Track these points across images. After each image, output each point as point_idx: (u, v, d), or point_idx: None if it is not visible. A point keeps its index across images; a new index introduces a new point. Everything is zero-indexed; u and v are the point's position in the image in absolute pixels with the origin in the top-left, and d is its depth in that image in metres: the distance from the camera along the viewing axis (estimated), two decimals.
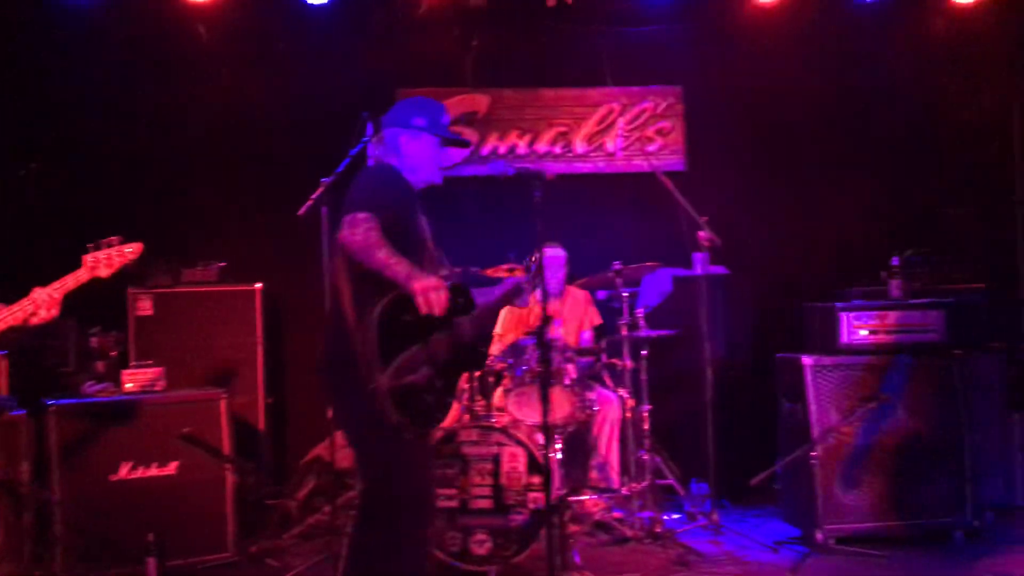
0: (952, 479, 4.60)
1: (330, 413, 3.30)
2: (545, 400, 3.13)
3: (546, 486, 3.27)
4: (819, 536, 4.47)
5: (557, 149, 6.28)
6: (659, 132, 6.36)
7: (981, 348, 5.10)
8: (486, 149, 6.25)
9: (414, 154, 3.24)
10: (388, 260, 2.87)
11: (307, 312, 5.69)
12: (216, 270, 5.50)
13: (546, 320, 3.12)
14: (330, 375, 3.13)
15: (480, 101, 6.26)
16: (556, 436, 4.77)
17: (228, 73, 6.04)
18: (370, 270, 2.89)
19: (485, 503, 4.25)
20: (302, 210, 4.29)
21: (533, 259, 3.46)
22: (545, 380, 3.12)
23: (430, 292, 2.84)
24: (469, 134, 6.22)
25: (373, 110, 4.23)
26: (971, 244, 6.11)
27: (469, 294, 3.27)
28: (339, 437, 4.52)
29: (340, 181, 4.25)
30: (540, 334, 3.11)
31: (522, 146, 6.25)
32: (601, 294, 5.58)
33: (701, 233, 4.86)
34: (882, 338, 4.73)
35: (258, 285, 5.47)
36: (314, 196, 4.30)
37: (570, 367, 4.80)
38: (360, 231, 2.88)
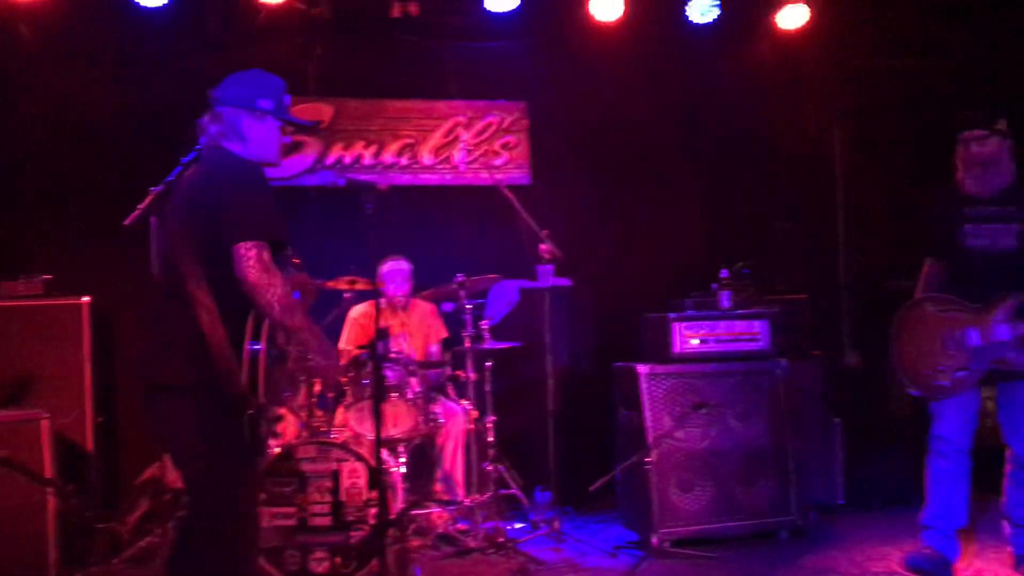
0: (778, 481, 4.84)
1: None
2: (377, 415, 3.11)
3: (381, 501, 3.24)
4: (655, 540, 4.60)
5: (403, 160, 6.26)
6: (505, 146, 6.44)
7: (804, 356, 5.40)
8: (330, 159, 6.16)
9: (258, 139, 2.99)
10: (303, 325, 2.79)
11: (140, 327, 5.45)
12: (40, 283, 5.19)
13: (379, 334, 3.10)
14: (187, 397, 2.81)
15: (324, 110, 6.17)
16: (401, 449, 4.76)
17: (55, 77, 5.72)
18: (236, 287, 2.74)
19: (324, 520, 4.18)
20: (129, 220, 4.12)
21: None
22: (377, 395, 3.09)
23: (337, 376, 2.82)
24: (313, 143, 6.13)
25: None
26: (795, 257, 6.48)
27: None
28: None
29: (169, 190, 4.12)
30: (373, 348, 3.08)
31: (368, 157, 6.19)
32: (448, 307, 5.60)
33: (543, 246, 4.96)
34: (712, 347, 4.94)
35: (85, 299, 5.19)
36: (142, 206, 4.12)
37: (413, 380, 4.78)
38: (278, 285, 2.72)
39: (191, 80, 5.76)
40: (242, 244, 2.73)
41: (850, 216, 6.72)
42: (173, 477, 5.04)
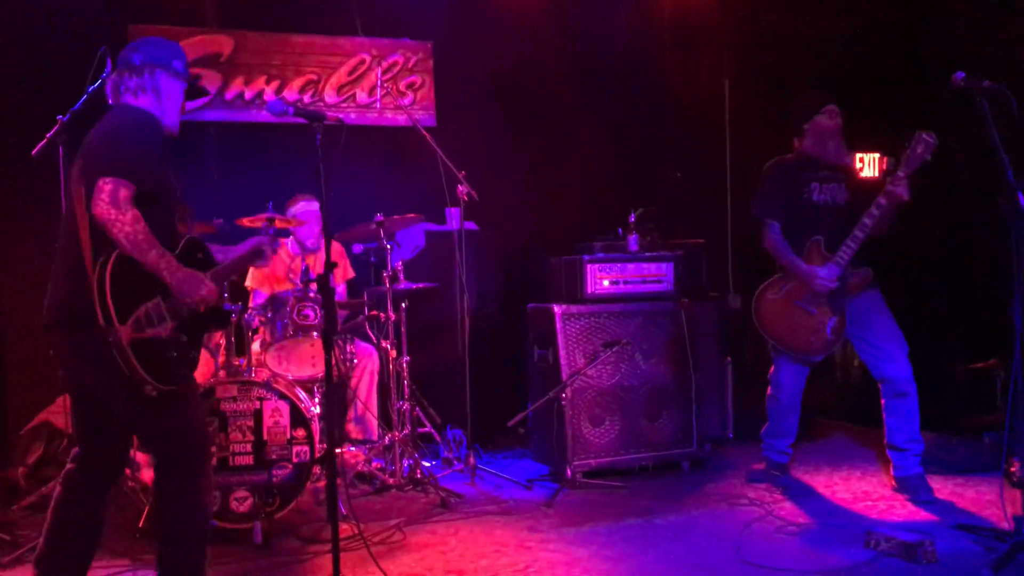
0: (680, 416, 5.11)
1: (61, 373, 3.08)
2: (327, 349, 3.09)
3: (330, 436, 3.24)
4: (568, 472, 4.79)
5: (307, 98, 6.12)
6: (410, 86, 6.38)
7: (702, 297, 5.68)
8: (230, 93, 5.95)
9: (169, 99, 3.18)
10: (158, 263, 2.89)
11: (31, 263, 5.17)
12: None
13: (329, 267, 3.07)
14: (67, 331, 2.97)
15: (223, 43, 5.93)
16: (315, 390, 4.74)
17: None
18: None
19: (245, 459, 4.14)
20: (35, 150, 3.92)
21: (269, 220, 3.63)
22: (329, 330, 3.07)
23: (209, 298, 2.99)
24: (212, 76, 5.89)
25: (106, 45, 3.95)
26: (687, 204, 6.76)
27: (207, 250, 3.24)
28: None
29: (77, 119, 3.93)
30: (325, 283, 3.06)
31: (269, 92, 6.01)
32: (357, 248, 5.56)
33: (460, 187, 4.99)
34: (621, 288, 5.13)
35: None
36: (49, 135, 3.93)
37: None
38: (127, 222, 2.83)
39: (86, 5, 5.51)
40: (100, 178, 2.85)
41: (736, 167, 7.05)
42: (64, 422, 4.86)
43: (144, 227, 2.86)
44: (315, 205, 5.24)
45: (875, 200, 4.30)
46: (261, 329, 4.71)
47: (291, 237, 5.28)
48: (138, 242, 2.85)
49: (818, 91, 4.68)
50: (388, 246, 4.90)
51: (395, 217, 4.92)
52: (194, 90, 3.35)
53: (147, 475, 4.38)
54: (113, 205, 2.83)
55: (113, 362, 2.84)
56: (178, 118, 3.24)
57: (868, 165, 6.70)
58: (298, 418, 4.20)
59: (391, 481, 4.81)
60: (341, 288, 5.53)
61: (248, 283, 5.23)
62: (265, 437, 4.16)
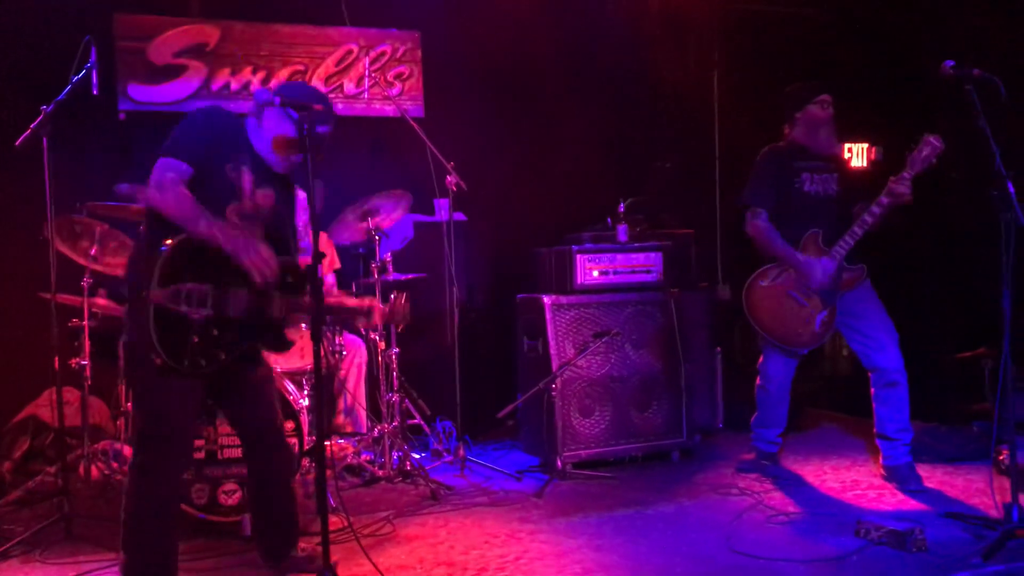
0: (670, 406, 5.11)
1: None
2: (316, 340, 3.07)
3: (320, 428, 3.22)
4: (558, 463, 4.79)
5: None
6: (398, 77, 6.34)
7: (691, 287, 5.67)
8: (217, 84, 5.89)
9: (270, 130, 3.26)
10: (211, 230, 2.99)
11: (15, 256, 5.13)
12: None
13: (317, 258, 3.05)
14: (127, 303, 3.13)
15: (209, 32, 5.87)
16: (305, 383, 4.70)
17: None
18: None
19: (234, 452, 4.10)
20: (19, 141, 3.87)
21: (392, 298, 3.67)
22: (318, 321, 3.05)
23: (262, 263, 3.04)
24: (197, 67, 5.84)
25: (91, 35, 3.92)
26: (676, 195, 6.74)
27: (301, 276, 3.28)
28: (65, 393, 4.19)
29: (61, 109, 3.90)
30: (313, 273, 3.03)
31: (256, 83, 5.95)
32: (344, 239, 5.52)
33: (449, 178, 4.96)
34: (611, 278, 5.12)
35: None
36: (33, 125, 3.89)
37: None
38: (181, 192, 2.98)
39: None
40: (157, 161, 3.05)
41: (725, 157, 7.05)
42: (51, 415, 4.83)
43: (189, 202, 2.98)
44: (302, 195, 5.19)
45: (876, 198, 4.27)
46: None
47: None
48: (183, 213, 2.98)
49: (813, 80, 4.67)
50: (377, 237, 4.87)
51: (380, 195, 4.83)
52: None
53: None
54: (158, 188, 3.00)
55: (142, 322, 2.94)
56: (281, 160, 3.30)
57: (856, 155, 6.72)
58: (287, 410, 4.17)
59: (381, 473, 4.80)
60: (330, 279, 5.50)
61: None
62: None
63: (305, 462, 4.34)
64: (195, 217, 2.99)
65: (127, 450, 4.31)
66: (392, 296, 3.72)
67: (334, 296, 3.51)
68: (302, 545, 3.55)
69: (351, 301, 3.57)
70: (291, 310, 3.25)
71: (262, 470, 3.49)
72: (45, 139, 3.91)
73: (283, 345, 3.37)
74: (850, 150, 6.46)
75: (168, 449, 3.13)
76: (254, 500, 3.54)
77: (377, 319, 3.59)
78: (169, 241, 2.98)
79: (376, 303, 3.56)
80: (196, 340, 3.01)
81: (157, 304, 2.92)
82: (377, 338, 4.96)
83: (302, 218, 5.14)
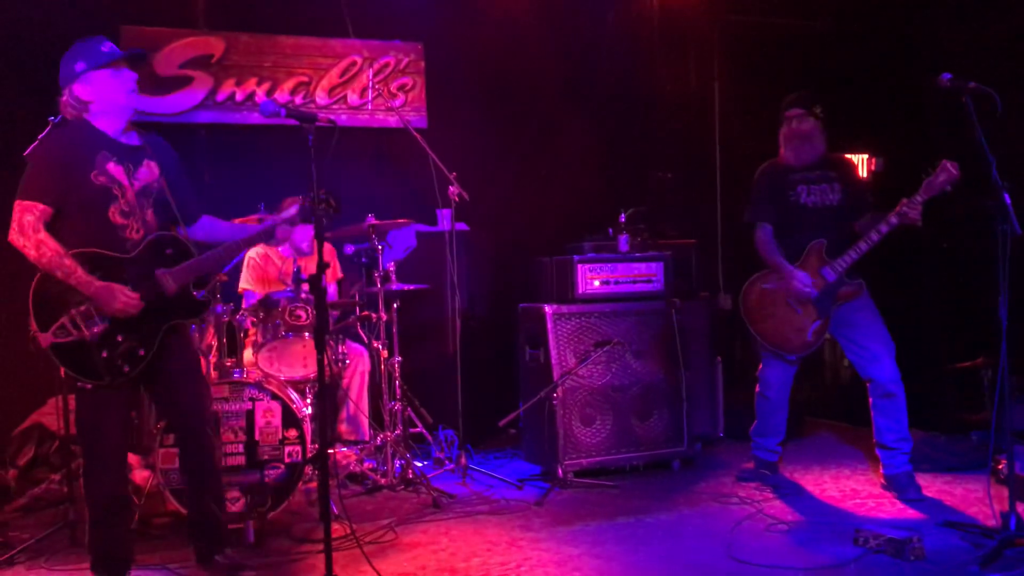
0: (671, 415, 5.14)
1: None
2: (320, 349, 3.11)
3: (322, 436, 3.26)
4: (560, 471, 4.81)
5: (298, 99, 6.11)
6: (401, 88, 6.39)
7: (692, 297, 5.70)
8: (222, 95, 5.94)
9: (95, 96, 3.29)
10: (67, 280, 3.12)
11: (18, 266, 5.16)
12: None
13: (321, 268, 3.10)
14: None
15: (215, 44, 5.93)
16: (308, 391, 4.74)
17: None
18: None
19: (237, 460, 4.15)
20: (28, 151, 3.91)
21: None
22: (322, 331, 3.10)
23: (125, 308, 3.16)
24: (203, 78, 5.89)
25: None
26: (676, 205, 6.78)
27: (181, 244, 3.38)
28: (70, 402, 4.23)
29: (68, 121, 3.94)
30: (317, 283, 3.09)
31: (260, 94, 6.00)
32: (348, 249, 5.56)
33: (451, 188, 5.01)
34: (612, 288, 5.16)
35: None
36: (40, 136, 3.92)
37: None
38: (32, 247, 3.11)
39: (77, 7, 5.50)
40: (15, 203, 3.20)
41: (726, 167, 7.09)
42: (56, 423, 4.86)
43: (48, 251, 3.10)
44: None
45: (885, 217, 4.29)
46: (253, 330, 4.72)
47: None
48: (43, 264, 3.12)
49: (789, 95, 4.70)
50: (379, 247, 4.91)
51: (386, 221, 4.92)
52: (123, 59, 3.34)
53: (139, 476, 4.39)
54: (20, 233, 3.14)
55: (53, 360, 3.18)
56: (126, 103, 3.32)
57: (857, 166, 6.75)
58: (290, 418, 4.22)
59: (383, 481, 4.83)
60: (332, 288, 5.54)
61: (241, 285, 5.23)
62: (257, 437, 4.18)
63: (308, 470, 4.38)
64: (55, 267, 3.12)
65: (132, 458, 4.34)
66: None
67: (239, 232, 3.63)
68: (229, 551, 3.58)
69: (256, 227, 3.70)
70: (185, 277, 3.36)
71: (185, 460, 3.61)
72: None
73: (198, 308, 3.48)
74: (850, 161, 6.49)
75: (107, 451, 3.34)
76: (187, 492, 3.67)
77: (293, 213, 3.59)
78: (33, 285, 3.16)
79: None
80: (104, 355, 3.20)
81: (51, 345, 3.12)
82: (380, 347, 4.99)
83: (310, 232, 5.21)
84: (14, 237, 3.14)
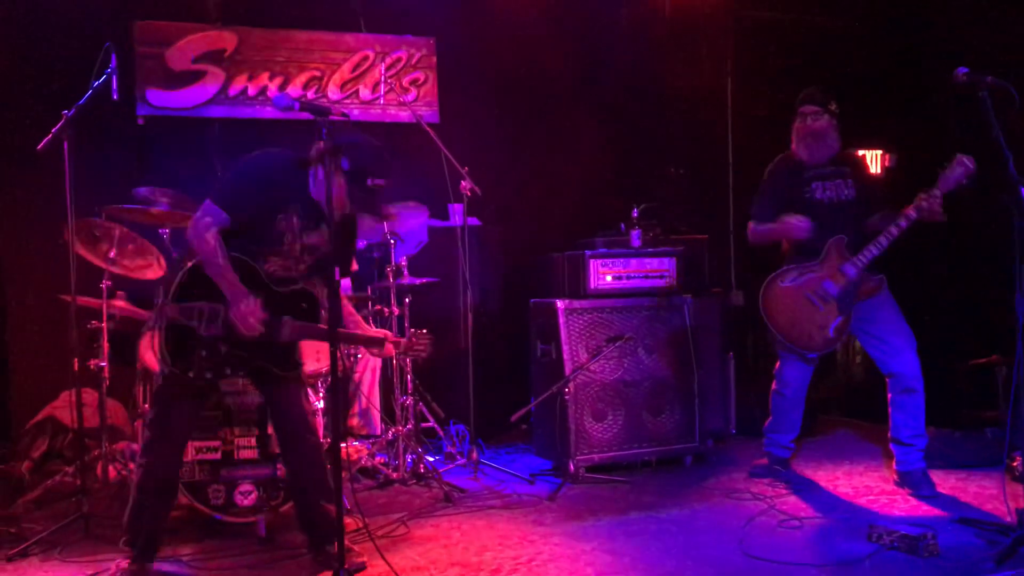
0: (682, 411, 5.12)
1: None
2: (333, 347, 3.11)
3: (335, 430, 3.26)
4: (571, 466, 4.81)
5: (310, 94, 6.12)
6: (413, 83, 6.39)
7: (704, 293, 5.69)
8: (234, 90, 5.96)
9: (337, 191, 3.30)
10: (219, 275, 3.24)
11: (37, 260, 5.20)
12: None
13: (335, 261, 3.11)
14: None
15: (227, 38, 5.94)
16: (320, 385, 4.74)
17: None
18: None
19: (250, 453, 4.15)
20: (41, 145, 3.94)
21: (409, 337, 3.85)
22: (334, 325, 3.10)
23: (247, 317, 3.23)
24: (215, 73, 5.90)
25: (111, 40, 3.98)
26: (689, 201, 6.77)
27: (316, 306, 3.47)
28: (83, 395, 4.25)
29: (82, 115, 3.96)
30: (330, 277, 3.10)
31: (273, 89, 6.01)
32: (360, 243, 5.56)
33: (463, 183, 5.00)
34: (624, 283, 5.15)
35: None
36: (54, 130, 3.95)
37: None
38: (207, 237, 3.22)
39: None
40: (207, 199, 3.31)
41: (739, 163, 7.06)
42: (69, 416, 4.88)
43: (212, 243, 3.23)
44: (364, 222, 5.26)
45: (904, 211, 4.25)
46: None
47: None
48: (205, 253, 3.24)
49: (804, 91, 4.64)
50: (392, 241, 4.91)
51: (396, 204, 4.89)
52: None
53: None
54: (193, 228, 3.25)
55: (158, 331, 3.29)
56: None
57: (871, 162, 6.72)
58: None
59: (394, 476, 4.83)
60: (345, 283, 5.53)
61: None
62: (269, 431, 4.17)
63: None
64: (208, 262, 3.25)
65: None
66: (409, 331, 3.88)
67: (351, 325, 3.64)
68: (351, 546, 3.60)
69: (367, 332, 3.73)
70: (300, 335, 3.46)
71: (292, 469, 3.68)
72: (66, 143, 3.97)
73: (291, 366, 3.56)
74: (864, 157, 6.46)
75: (173, 437, 3.45)
76: (291, 494, 3.83)
77: (390, 351, 3.73)
78: (190, 263, 3.29)
79: (388, 336, 3.70)
80: (204, 354, 3.29)
81: (171, 318, 3.21)
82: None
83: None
84: (189, 232, 3.26)
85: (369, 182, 3.33)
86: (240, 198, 3.29)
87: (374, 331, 3.75)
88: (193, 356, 3.29)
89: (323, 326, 3.43)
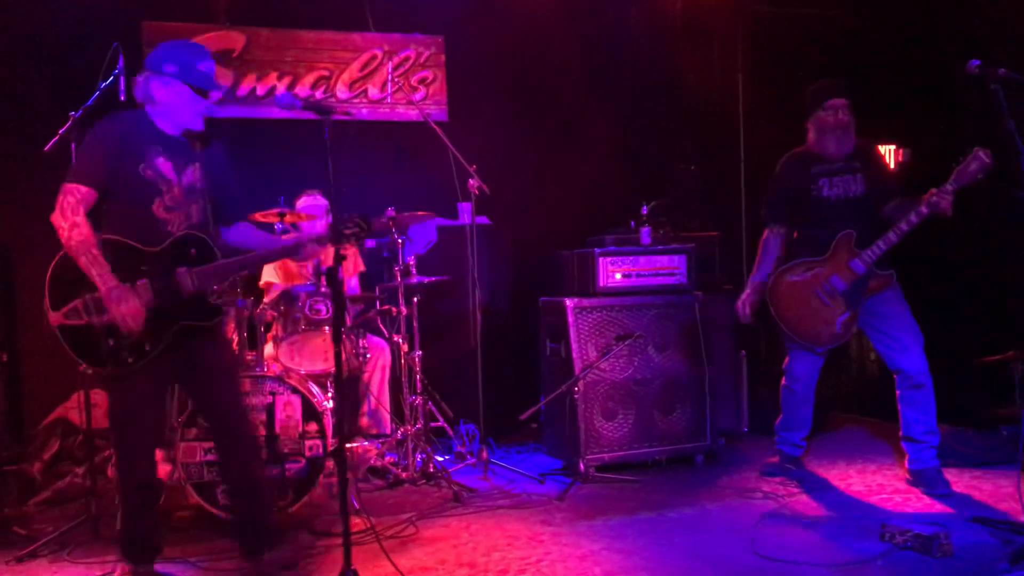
0: (694, 409, 5.09)
1: None
2: (337, 342, 3.09)
3: (340, 430, 3.25)
4: (581, 466, 4.78)
5: (319, 93, 6.12)
6: (422, 81, 6.38)
7: (715, 290, 5.64)
8: (243, 90, 5.96)
9: (166, 101, 3.30)
10: (88, 269, 3.13)
11: (46, 261, 5.20)
12: None
13: (338, 260, 3.09)
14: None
15: (236, 39, 5.95)
16: (328, 385, 4.73)
17: None
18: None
19: None
20: (49, 146, 3.94)
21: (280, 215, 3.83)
22: (338, 323, 3.09)
23: (126, 319, 3.12)
24: (224, 73, 5.90)
25: (119, 42, 3.98)
26: (703, 197, 6.72)
27: (206, 246, 3.34)
28: (93, 396, 4.25)
29: (89, 115, 3.95)
30: (333, 276, 3.07)
31: (281, 88, 6.02)
32: (369, 242, 5.56)
33: (472, 181, 4.98)
34: (634, 281, 5.11)
35: None
36: (62, 131, 3.95)
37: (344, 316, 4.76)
38: (65, 228, 3.13)
39: (100, 1, 5.55)
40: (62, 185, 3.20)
41: (750, 159, 7.01)
42: (80, 417, 4.89)
43: (79, 235, 3.12)
44: (320, 200, 5.25)
45: (916, 207, 4.20)
46: (274, 324, 4.72)
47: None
48: (71, 247, 3.14)
49: (825, 83, 4.57)
50: (400, 241, 4.90)
51: (407, 214, 4.90)
52: (198, 90, 3.33)
53: (161, 470, 4.39)
54: (60, 213, 3.15)
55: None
56: (189, 118, 3.33)
57: (884, 156, 6.65)
58: (310, 412, 4.21)
59: (404, 475, 4.82)
60: (353, 282, 5.53)
61: (264, 278, 5.24)
62: (278, 431, 4.18)
63: (329, 464, 4.37)
64: (79, 254, 3.14)
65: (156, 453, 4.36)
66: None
67: (267, 244, 3.62)
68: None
69: (281, 242, 3.68)
70: (202, 280, 3.31)
71: (224, 460, 3.56)
72: (73, 144, 3.96)
73: (210, 314, 3.41)
74: (875, 147, 6.40)
75: (137, 442, 3.33)
76: (226, 492, 3.73)
77: (314, 251, 3.53)
78: (53, 263, 3.19)
79: (303, 239, 3.55)
80: (111, 343, 3.19)
81: (56, 326, 3.15)
82: (400, 341, 4.98)
83: (320, 224, 5.20)
84: (54, 217, 3.16)
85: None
86: (93, 166, 3.19)
87: (287, 238, 3.70)
88: (99, 349, 3.18)
89: (226, 261, 3.35)
